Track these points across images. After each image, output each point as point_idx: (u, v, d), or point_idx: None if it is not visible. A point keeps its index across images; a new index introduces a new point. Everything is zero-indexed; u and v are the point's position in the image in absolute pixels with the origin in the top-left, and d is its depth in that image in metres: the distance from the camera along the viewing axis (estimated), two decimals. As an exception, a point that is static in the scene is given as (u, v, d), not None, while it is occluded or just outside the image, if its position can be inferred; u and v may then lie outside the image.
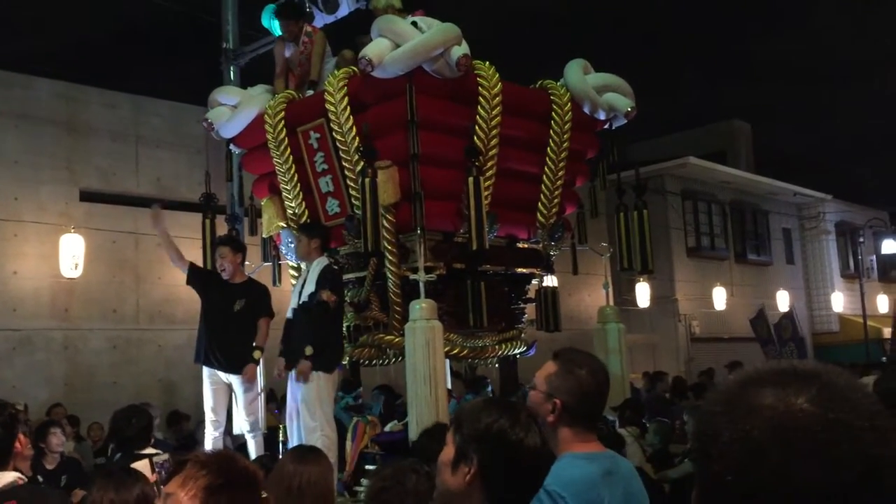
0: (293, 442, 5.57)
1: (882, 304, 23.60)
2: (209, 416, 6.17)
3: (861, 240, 22.85)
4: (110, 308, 11.13)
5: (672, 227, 17.93)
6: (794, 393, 0.94)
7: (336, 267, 6.04)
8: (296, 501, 2.92)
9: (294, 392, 5.67)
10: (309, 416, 5.59)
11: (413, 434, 5.11)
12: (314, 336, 5.57)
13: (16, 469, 2.88)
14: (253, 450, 6.08)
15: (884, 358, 19.75)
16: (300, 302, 5.77)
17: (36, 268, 10.61)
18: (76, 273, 10.52)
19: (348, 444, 5.71)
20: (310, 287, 5.72)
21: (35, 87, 11.08)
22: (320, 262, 5.83)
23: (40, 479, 5.98)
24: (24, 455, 4.01)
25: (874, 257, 24.22)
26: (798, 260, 22.38)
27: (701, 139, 21.90)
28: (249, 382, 6.06)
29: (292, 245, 6.27)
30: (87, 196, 11.24)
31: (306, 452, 3.26)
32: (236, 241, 6.49)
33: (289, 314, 5.89)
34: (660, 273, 16.68)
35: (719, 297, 17.69)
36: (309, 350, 5.52)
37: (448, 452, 2.03)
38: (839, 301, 22.13)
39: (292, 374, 5.66)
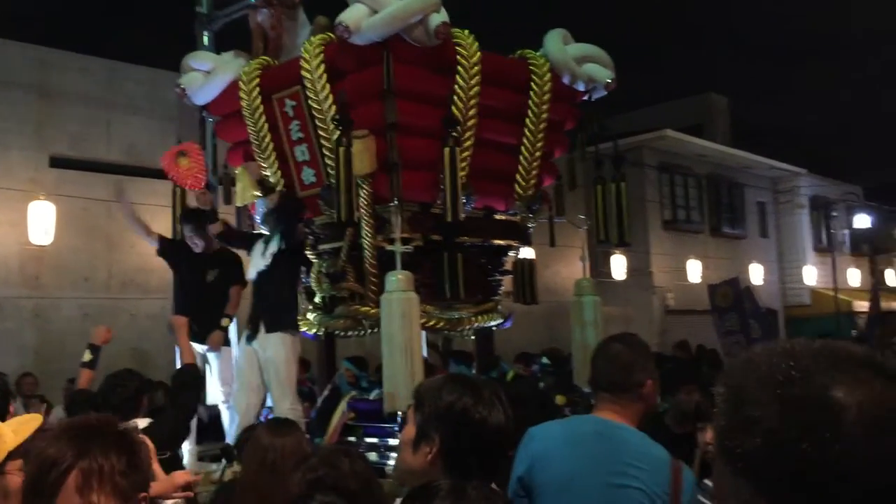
0: (242, 415, 5.62)
1: (853, 277, 23.90)
2: None
3: (834, 214, 23.09)
4: (82, 276, 10.99)
5: (648, 200, 17.97)
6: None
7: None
8: (270, 474, 2.89)
9: (257, 360, 5.69)
10: (278, 386, 5.62)
11: (389, 405, 5.10)
12: (282, 294, 5.63)
13: None
14: (227, 420, 6.04)
15: (854, 331, 20.06)
16: (265, 265, 5.76)
17: (4, 235, 10.44)
18: (46, 240, 10.35)
19: (337, 414, 5.69)
20: (273, 247, 5.78)
21: (6, 51, 10.81)
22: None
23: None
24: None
25: (847, 231, 24.48)
26: (772, 233, 22.56)
27: (678, 112, 21.90)
28: (215, 350, 6.03)
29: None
30: (58, 162, 11.05)
31: (281, 425, 3.23)
32: (213, 211, 6.38)
33: (250, 276, 5.87)
34: (636, 246, 16.71)
35: (694, 270, 17.80)
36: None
37: (409, 431, 1.99)
38: (811, 274, 22.38)
39: (245, 342, 5.69)
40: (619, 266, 16.24)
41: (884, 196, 23.40)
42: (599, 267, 16.31)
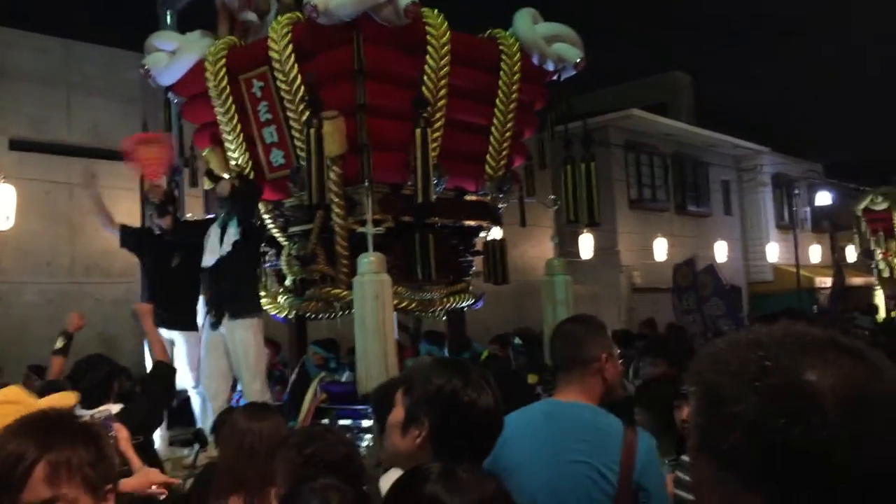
0: (212, 400, 5.61)
1: (814, 254, 24.30)
2: None
3: (796, 192, 23.42)
4: (44, 261, 10.80)
5: (615, 179, 18.07)
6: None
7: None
8: (248, 458, 2.88)
9: (224, 345, 5.66)
10: (247, 370, 5.61)
11: (362, 386, 5.09)
12: (244, 280, 5.59)
13: None
14: (197, 405, 6.00)
15: (815, 306, 20.44)
16: (226, 252, 5.71)
17: (-36, 219, 10.19)
18: (7, 225, 10.14)
19: (308, 396, 5.66)
20: (234, 235, 5.73)
21: (-43, 30, 10.53)
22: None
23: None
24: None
25: (808, 209, 24.86)
26: (736, 211, 22.82)
27: (643, 91, 21.99)
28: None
29: None
30: (18, 145, 10.81)
31: (258, 409, 3.21)
32: (162, 205, 6.27)
33: (208, 262, 5.79)
34: (603, 225, 16.78)
35: (660, 248, 17.96)
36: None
37: (398, 414, 1.98)
38: (774, 251, 22.71)
39: (210, 329, 5.67)
40: (586, 245, 16.32)
41: (844, 174, 23.77)
42: (567, 246, 16.38)
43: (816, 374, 0.91)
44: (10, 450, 1.54)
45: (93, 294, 11.04)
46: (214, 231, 5.89)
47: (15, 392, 2.12)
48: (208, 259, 5.81)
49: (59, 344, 5.07)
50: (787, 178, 23.73)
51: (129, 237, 6.34)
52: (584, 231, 15.51)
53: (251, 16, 6.39)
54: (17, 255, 10.60)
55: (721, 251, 20.12)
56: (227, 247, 5.72)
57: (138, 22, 9.07)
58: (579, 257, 16.06)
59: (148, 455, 3.97)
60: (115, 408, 4.09)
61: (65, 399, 2.20)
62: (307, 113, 5.37)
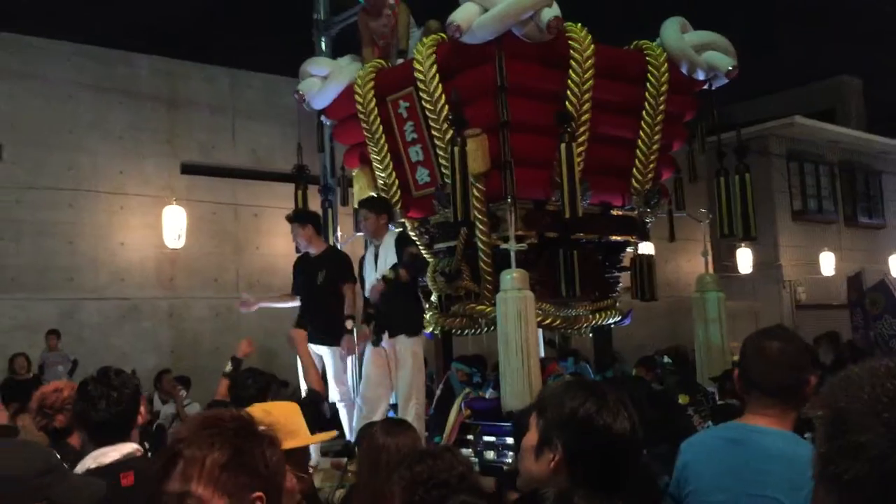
0: (369, 408, 5.71)
1: None
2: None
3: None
4: (211, 277, 11.49)
5: (776, 190, 17.22)
6: None
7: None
8: (385, 474, 2.91)
9: (385, 357, 5.77)
10: (405, 387, 5.69)
11: (506, 404, 5.08)
12: (402, 305, 5.66)
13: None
14: (345, 418, 6.16)
15: None
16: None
17: (141, 239, 11.03)
18: (179, 244, 10.88)
19: (453, 412, 5.71)
20: (391, 257, 5.82)
21: (136, 64, 11.43)
22: (391, 235, 5.98)
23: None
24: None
25: None
26: (915, 222, 21.21)
27: (808, 97, 20.87)
28: (349, 353, 6.16)
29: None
30: (188, 168, 11.60)
31: (395, 425, 3.24)
32: (302, 214, 6.51)
33: (367, 293, 5.95)
34: (763, 238, 16.06)
35: (827, 263, 16.94)
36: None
37: (531, 437, 1.94)
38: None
39: (369, 345, 5.82)
40: (745, 259, 15.64)
41: None
42: (723, 260, 15.78)
43: None
44: (172, 439, 1.62)
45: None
46: (369, 259, 6.07)
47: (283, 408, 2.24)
48: (369, 279, 5.96)
49: (228, 368, 5.37)
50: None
51: (293, 270, 6.64)
52: (742, 245, 14.87)
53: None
54: (188, 272, 11.33)
55: (897, 265, 18.75)
56: (383, 270, 5.85)
57: (296, 48, 9.51)
58: (737, 272, 15.41)
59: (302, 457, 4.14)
60: None
61: (326, 435, 2.29)
62: (451, 131, 5.44)
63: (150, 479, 1.62)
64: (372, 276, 5.92)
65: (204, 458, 1.52)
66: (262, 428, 1.63)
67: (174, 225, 10.85)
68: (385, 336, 5.80)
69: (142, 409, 2.95)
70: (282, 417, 2.25)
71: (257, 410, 2.23)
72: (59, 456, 2.80)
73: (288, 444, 2.14)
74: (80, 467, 2.54)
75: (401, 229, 6.20)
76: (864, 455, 0.86)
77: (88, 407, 2.75)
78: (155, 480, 1.54)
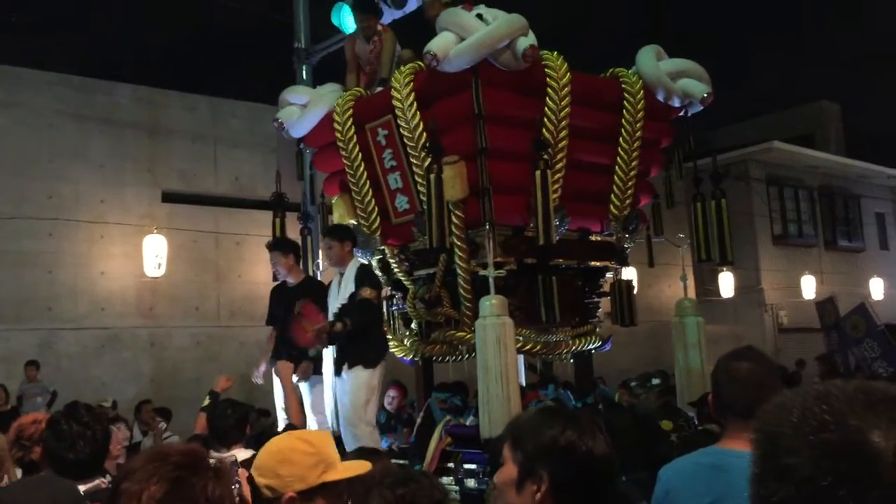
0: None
1: None
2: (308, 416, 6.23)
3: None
4: (193, 306, 11.43)
5: (756, 215, 17.37)
6: None
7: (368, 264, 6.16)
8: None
9: (338, 391, 5.74)
10: (353, 415, 5.64)
11: (485, 431, 5.06)
12: (357, 332, 5.63)
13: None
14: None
15: None
16: (340, 305, 5.80)
17: (122, 267, 10.97)
18: (159, 272, 10.83)
19: (434, 439, 5.67)
20: (350, 287, 5.80)
21: (117, 93, 11.44)
22: (354, 264, 5.96)
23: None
24: (113, 456, 4.09)
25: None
26: (893, 245, 21.42)
27: (787, 122, 21.14)
28: (303, 380, 6.13)
29: (363, 243, 6.27)
30: (169, 197, 11.57)
31: (367, 454, 3.24)
32: (285, 243, 6.49)
33: (333, 311, 5.90)
34: (744, 262, 16.18)
35: (808, 286, 17.07)
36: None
37: (508, 471, 1.88)
38: (939, 287, 21.10)
39: (332, 376, 5.79)
40: (726, 284, 15.72)
41: None
42: (706, 285, 15.86)
43: (879, 434, 0.86)
44: (119, 472, 1.62)
45: (237, 337, 11.56)
46: (333, 287, 6.06)
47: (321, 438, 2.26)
48: (330, 316, 5.90)
49: (206, 402, 5.34)
50: (950, 209, 22.10)
51: (270, 301, 6.57)
52: (724, 269, 14.96)
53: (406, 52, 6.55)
54: (169, 300, 11.26)
55: (877, 288, 18.90)
56: (343, 300, 5.84)
57: (278, 76, 9.56)
58: (719, 296, 15.49)
59: None
60: (242, 454, 4.22)
61: (361, 466, 2.28)
62: (429, 159, 5.46)
63: None
64: (334, 305, 5.89)
65: (140, 493, 1.54)
66: (211, 461, 1.64)
67: (155, 253, 10.81)
68: (345, 367, 5.75)
69: (114, 440, 2.94)
70: (324, 447, 2.22)
71: (297, 441, 2.23)
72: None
73: (330, 476, 2.13)
74: None
75: (365, 262, 6.12)
76: (792, 477, 0.88)
77: (64, 446, 2.73)
78: None
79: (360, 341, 5.70)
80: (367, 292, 5.68)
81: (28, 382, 9.93)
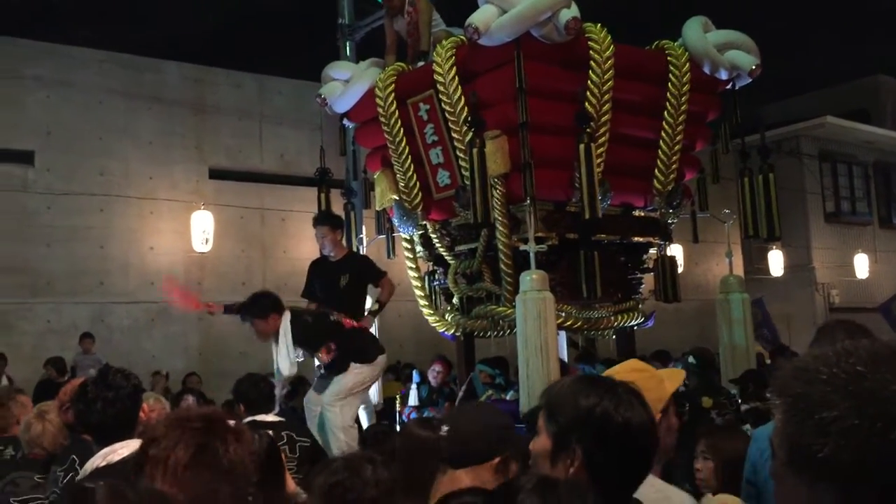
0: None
1: None
2: None
3: None
4: (239, 281, 11.59)
5: (808, 192, 17.00)
6: None
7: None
8: (421, 464, 2.86)
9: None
10: (330, 394, 5.75)
11: (525, 406, 5.06)
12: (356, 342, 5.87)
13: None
14: (364, 421, 6.19)
15: None
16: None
17: (170, 243, 11.16)
18: (207, 248, 10.99)
19: None
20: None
21: (165, 71, 11.59)
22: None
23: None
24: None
25: None
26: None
27: (841, 97, 20.55)
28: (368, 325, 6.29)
29: (405, 218, 6.29)
30: (216, 174, 11.73)
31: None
32: (334, 217, 6.53)
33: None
34: (795, 240, 15.87)
35: (861, 265, 16.69)
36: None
37: (542, 442, 1.82)
38: None
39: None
40: (776, 262, 15.44)
41: None
42: (755, 263, 15.60)
43: None
44: (144, 438, 1.68)
45: (282, 312, 11.68)
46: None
47: (640, 363, 2.35)
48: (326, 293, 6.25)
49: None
50: None
51: (308, 284, 6.62)
52: (773, 247, 14.69)
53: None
54: (216, 275, 11.44)
55: (933, 267, 18.40)
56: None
57: (323, 53, 9.57)
58: (769, 274, 15.22)
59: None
60: (268, 416, 4.37)
61: (678, 375, 2.35)
62: (470, 133, 5.44)
63: None
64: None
65: (167, 458, 1.57)
66: (231, 422, 1.68)
67: (202, 229, 10.98)
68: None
69: (145, 406, 2.99)
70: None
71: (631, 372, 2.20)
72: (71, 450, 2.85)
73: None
74: (90, 465, 2.57)
75: (291, 314, 5.91)
76: (835, 428, 0.89)
77: (86, 408, 2.79)
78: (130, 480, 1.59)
79: (356, 345, 5.87)
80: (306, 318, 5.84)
81: (83, 354, 10.19)
